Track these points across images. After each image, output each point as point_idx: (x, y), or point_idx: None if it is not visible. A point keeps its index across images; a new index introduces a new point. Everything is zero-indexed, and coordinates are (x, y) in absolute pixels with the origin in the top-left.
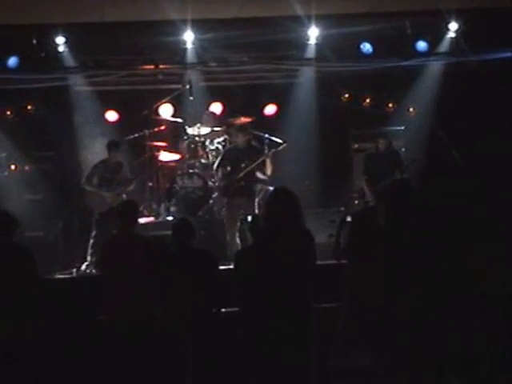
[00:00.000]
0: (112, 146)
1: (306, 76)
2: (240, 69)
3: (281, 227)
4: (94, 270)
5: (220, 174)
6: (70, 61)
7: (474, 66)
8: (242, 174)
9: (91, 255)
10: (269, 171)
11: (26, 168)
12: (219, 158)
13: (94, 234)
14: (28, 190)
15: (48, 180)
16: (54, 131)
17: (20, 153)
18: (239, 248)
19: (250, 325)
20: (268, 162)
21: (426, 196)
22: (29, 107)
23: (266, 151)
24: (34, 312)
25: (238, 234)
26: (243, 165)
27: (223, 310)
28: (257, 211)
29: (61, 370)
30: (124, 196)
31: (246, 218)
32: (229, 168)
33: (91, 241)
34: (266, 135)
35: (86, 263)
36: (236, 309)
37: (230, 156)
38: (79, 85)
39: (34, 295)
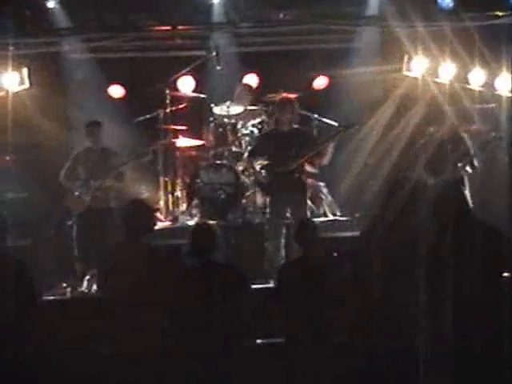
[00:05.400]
0: (93, 129)
1: (367, 39)
2: (280, 30)
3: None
4: (93, 289)
5: (256, 165)
6: (62, 20)
7: None
8: (294, 166)
9: (83, 271)
10: (326, 160)
11: (7, 159)
12: (254, 145)
13: (75, 243)
14: (9, 187)
15: (34, 174)
16: (41, 111)
17: None
18: (283, 261)
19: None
20: (330, 149)
21: None
22: None
23: (314, 135)
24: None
25: (283, 243)
26: (293, 153)
27: (259, 341)
28: (309, 214)
29: None
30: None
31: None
32: (268, 158)
33: (76, 251)
34: (315, 115)
35: (86, 278)
36: (279, 340)
37: (270, 142)
38: (74, 51)
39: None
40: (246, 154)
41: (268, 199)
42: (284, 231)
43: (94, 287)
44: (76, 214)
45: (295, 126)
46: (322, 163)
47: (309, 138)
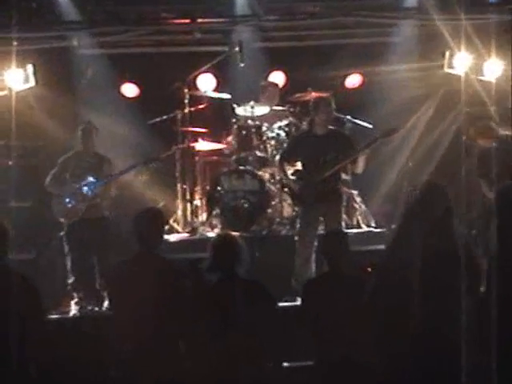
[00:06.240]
0: (88, 132)
1: (405, 33)
2: (309, 24)
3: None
4: (103, 307)
5: (288, 170)
6: (71, 12)
7: None
8: (330, 173)
9: (76, 288)
10: (359, 169)
11: (9, 163)
12: (287, 148)
13: (68, 256)
14: (12, 195)
15: (39, 180)
16: (46, 112)
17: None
18: (312, 277)
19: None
20: (362, 158)
21: None
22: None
23: (350, 140)
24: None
25: (313, 257)
26: (329, 158)
27: (286, 364)
28: (344, 224)
29: None
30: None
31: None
32: (300, 163)
33: (68, 267)
34: (348, 117)
35: (73, 300)
36: (308, 362)
37: (304, 145)
38: (84, 46)
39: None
40: (276, 157)
41: (298, 209)
42: (316, 244)
43: (88, 309)
44: (67, 225)
45: (331, 128)
46: (355, 171)
47: (346, 141)
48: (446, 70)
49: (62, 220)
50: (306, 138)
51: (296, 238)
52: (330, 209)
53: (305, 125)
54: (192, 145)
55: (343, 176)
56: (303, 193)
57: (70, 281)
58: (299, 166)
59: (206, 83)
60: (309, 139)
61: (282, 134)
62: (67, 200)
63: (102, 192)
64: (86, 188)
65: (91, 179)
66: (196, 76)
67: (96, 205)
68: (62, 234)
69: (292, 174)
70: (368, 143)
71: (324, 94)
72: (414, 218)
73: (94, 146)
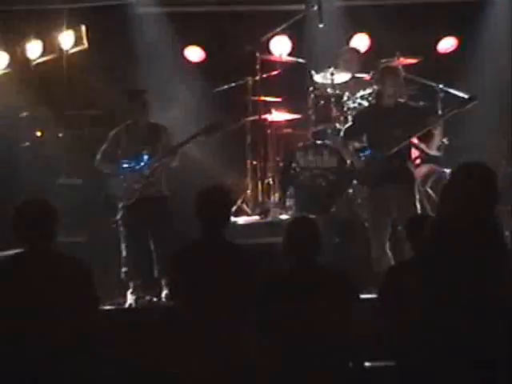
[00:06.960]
0: (138, 99)
1: None
2: None
3: (469, 228)
4: (162, 297)
5: (351, 148)
6: None
7: None
8: (394, 150)
9: (132, 277)
10: (434, 146)
11: (60, 135)
12: (350, 123)
13: (124, 241)
14: (62, 171)
15: (92, 154)
16: (101, 78)
17: (50, 112)
18: (391, 264)
19: None
20: (437, 131)
21: None
22: None
23: (438, 112)
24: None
25: (388, 244)
26: (396, 133)
27: (367, 364)
28: (419, 208)
29: None
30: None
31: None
32: (365, 140)
33: (124, 254)
34: (441, 86)
35: (129, 290)
36: (389, 363)
37: (370, 120)
38: (143, 4)
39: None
40: (341, 134)
41: (367, 192)
42: (389, 229)
43: (146, 299)
44: (122, 207)
45: (401, 101)
46: (430, 147)
47: (418, 114)
48: None
49: (119, 202)
50: (372, 112)
51: (367, 224)
52: (400, 190)
53: None
54: (264, 116)
55: (429, 150)
56: (368, 172)
57: (125, 268)
58: (364, 142)
59: (281, 46)
60: (375, 113)
61: (365, 104)
62: (122, 179)
63: (161, 168)
64: (142, 165)
65: (147, 154)
66: (269, 38)
67: (154, 183)
68: (117, 217)
69: (356, 151)
70: (441, 115)
71: (412, 61)
72: (448, 201)
73: (148, 115)
